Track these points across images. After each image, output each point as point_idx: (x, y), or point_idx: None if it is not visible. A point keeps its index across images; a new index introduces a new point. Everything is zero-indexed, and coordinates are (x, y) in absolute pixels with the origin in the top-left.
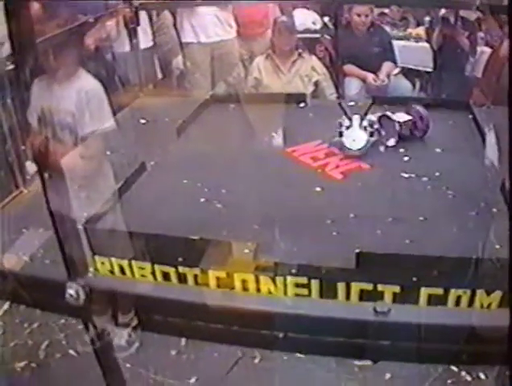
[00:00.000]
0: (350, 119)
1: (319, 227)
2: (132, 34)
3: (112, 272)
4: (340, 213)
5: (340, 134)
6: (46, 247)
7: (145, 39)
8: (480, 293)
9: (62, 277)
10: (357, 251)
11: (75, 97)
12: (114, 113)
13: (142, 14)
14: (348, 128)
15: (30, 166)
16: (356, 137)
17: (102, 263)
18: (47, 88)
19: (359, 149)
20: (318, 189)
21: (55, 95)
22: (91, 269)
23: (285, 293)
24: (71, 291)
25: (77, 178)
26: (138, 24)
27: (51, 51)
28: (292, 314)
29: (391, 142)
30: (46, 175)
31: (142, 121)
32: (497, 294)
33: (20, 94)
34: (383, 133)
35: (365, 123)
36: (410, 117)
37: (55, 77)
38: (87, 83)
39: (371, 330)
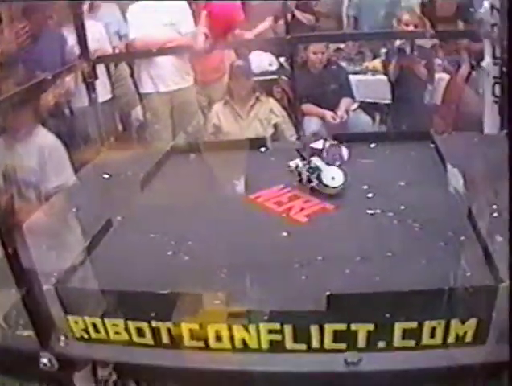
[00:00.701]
0: (305, 159)
1: (287, 271)
2: (90, 88)
3: (86, 330)
4: (307, 256)
5: (300, 175)
6: (18, 308)
7: (104, 92)
8: (454, 322)
9: (34, 346)
10: (328, 293)
11: (36, 155)
12: (77, 169)
13: (100, 67)
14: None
15: None
16: (334, 175)
17: (75, 322)
18: (9, 147)
19: (338, 186)
20: (284, 234)
21: (17, 153)
22: (62, 337)
23: (258, 340)
24: (44, 360)
25: (43, 236)
26: (95, 78)
27: (10, 110)
28: (265, 371)
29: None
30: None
31: (106, 176)
32: (472, 322)
33: None
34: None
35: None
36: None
37: (15, 135)
38: (46, 140)
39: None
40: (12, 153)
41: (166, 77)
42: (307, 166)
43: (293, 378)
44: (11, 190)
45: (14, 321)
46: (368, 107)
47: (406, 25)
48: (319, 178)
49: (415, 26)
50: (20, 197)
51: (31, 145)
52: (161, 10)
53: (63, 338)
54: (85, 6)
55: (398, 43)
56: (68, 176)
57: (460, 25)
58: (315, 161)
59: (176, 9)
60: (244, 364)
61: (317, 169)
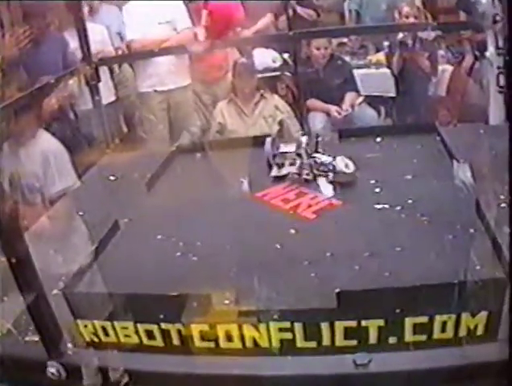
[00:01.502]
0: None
1: (296, 269)
2: (94, 90)
3: (96, 334)
4: (316, 253)
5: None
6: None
7: (107, 94)
8: (465, 315)
9: (42, 356)
10: (337, 290)
11: (39, 159)
12: (83, 172)
13: (103, 69)
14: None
15: None
16: (346, 162)
17: (85, 326)
18: (13, 152)
19: (353, 172)
20: (292, 231)
21: (21, 158)
22: (69, 346)
23: (269, 339)
24: (52, 370)
25: (49, 240)
26: (98, 80)
27: (13, 115)
28: (274, 375)
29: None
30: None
31: (112, 178)
32: (483, 315)
33: None
34: None
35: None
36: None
37: (18, 140)
38: (49, 144)
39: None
40: (16, 158)
41: (163, 76)
42: (313, 162)
43: (302, 381)
44: (16, 195)
45: (24, 326)
46: (373, 101)
47: (407, 17)
48: (334, 168)
49: (415, 18)
50: (24, 202)
51: (34, 150)
52: (156, 8)
53: (70, 345)
54: (85, 9)
55: (400, 36)
56: (72, 180)
57: (462, 16)
58: (319, 156)
59: (171, 7)
60: (253, 369)
61: (326, 161)
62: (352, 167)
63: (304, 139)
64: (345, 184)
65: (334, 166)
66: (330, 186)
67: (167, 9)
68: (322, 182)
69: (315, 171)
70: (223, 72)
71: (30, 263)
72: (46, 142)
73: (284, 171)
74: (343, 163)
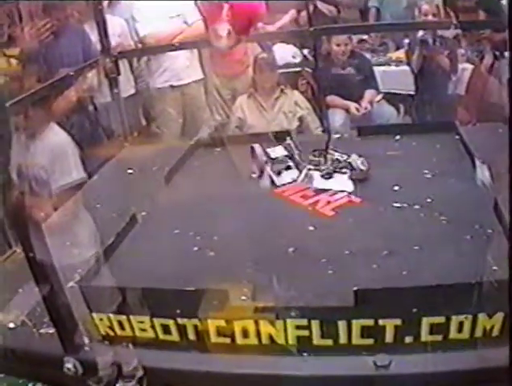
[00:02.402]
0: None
1: (314, 266)
2: (113, 83)
3: (111, 328)
4: (334, 250)
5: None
6: (43, 305)
7: (127, 87)
8: (481, 316)
9: (59, 351)
10: (355, 288)
11: (47, 152)
12: (101, 165)
13: (123, 62)
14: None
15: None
16: (362, 160)
17: (101, 319)
18: (23, 144)
19: (367, 170)
20: (311, 228)
21: (29, 150)
22: (86, 341)
23: (285, 336)
24: (69, 365)
25: (66, 232)
26: (118, 73)
27: (31, 106)
28: (296, 375)
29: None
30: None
31: (130, 171)
32: (499, 316)
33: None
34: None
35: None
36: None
37: (29, 132)
38: (58, 137)
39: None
40: (25, 150)
41: (179, 71)
42: (329, 160)
43: (322, 381)
44: (25, 188)
45: (38, 319)
46: (392, 98)
47: (426, 15)
48: (350, 165)
49: (434, 16)
50: (31, 193)
51: (43, 142)
52: (165, 3)
53: (87, 341)
54: (105, 2)
55: (420, 33)
56: (79, 174)
57: (482, 15)
58: (334, 154)
59: (180, 0)
60: (271, 368)
61: (341, 159)
62: (366, 165)
63: (290, 141)
64: (360, 180)
65: (350, 163)
66: (350, 182)
67: (176, 3)
68: (342, 178)
69: (331, 168)
70: (244, 67)
71: (47, 255)
72: (55, 136)
73: (288, 178)
74: (359, 161)
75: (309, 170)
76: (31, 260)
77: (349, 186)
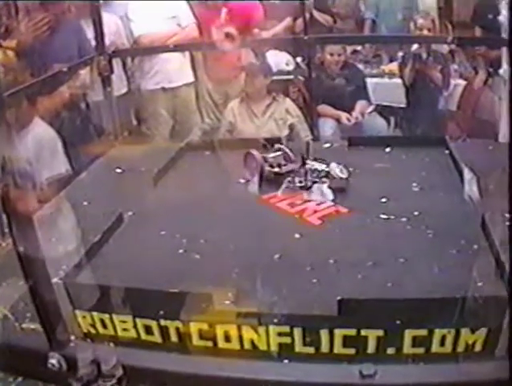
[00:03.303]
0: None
1: (299, 274)
2: (106, 81)
3: (93, 326)
4: (319, 259)
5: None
6: (26, 299)
7: (119, 86)
8: (464, 331)
9: (43, 347)
10: (339, 298)
11: (31, 145)
12: (90, 163)
13: (117, 61)
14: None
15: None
16: (340, 167)
17: (83, 317)
18: (7, 137)
19: (347, 177)
20: (297, 235)
21: (14, 143)
22: (72, 337)
23: (268, 342)
24: (53, 361)
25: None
26: (111, 72)
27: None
28: (279, 381)
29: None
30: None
31: (118, 171)
32: (482, 331)
33: None
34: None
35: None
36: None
37: (14, 126)
38: (43, 131)
39: None
40: (10, 143)
41: (171, 73)
42: (308, 169)
43: None
44: (8, 180)
45: (21, 313)
46: (383, 110)
47: (421, 29)
48: (328, 175)
49: (429, 31)
50: (16, 187)
51: (28, 136)
52: (160, 4)
53: (72, 337)
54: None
55: (414, 47)
56: (63, 168)
57: (477, 31)
58: (313, 164)
59: (174, 2)
60: (254, 373)
61: (320, 169)
62: (345, 173)
63: (287, 148)
64: (340, 189)
65: (328, 172)
66: (329, 191)
67: (171, 4)
68: (321, 188)
69: (310, 178)
70: (237, 72)
71: (37, 249)
72: (40, 129)
73: (289, 168)
74: (337, 169)
75: (288, 182)
76: (19, 253)
77: (329, 195)
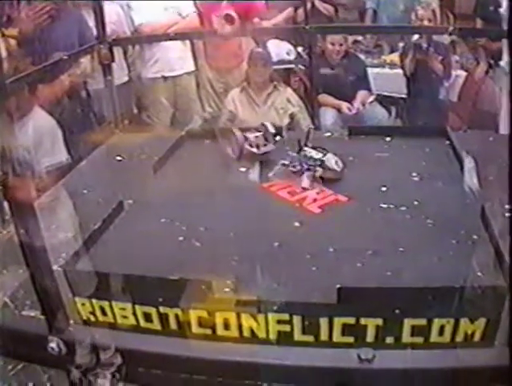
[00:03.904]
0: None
1: (298, 262)
2: (107, 70)
3: (93, 313)
4: (319, 247)
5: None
6: (26, 287)
7: (120, 75)
8: (463, 321)
9: (43, 330)
10: (339, 286)
11: (30, 133)
12: (91, 151)
13: (118, 49)
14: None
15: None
16: (336, 159)
17: (83, 304)
18: (6, 125)
19: (342, 169)
20: (296, 224)
21: (13, 132)
22: (71, 322)
23: (267, 330)
24: (52, 345)
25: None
26: (112, 60)
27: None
28: (276, 365)
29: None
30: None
31: (118, 158)
32: (481, 321)
33: None
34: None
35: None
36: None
37: (13, 114)
38: (42, 120)
39: (356, 378)
40: (9, 132)
41: (172, 61)
42: (302, 156)
43: (303, 372)
44: (7, 168)
45: (20, 301)
46: (384, 100)
47: (422, 20)
48: (323, 164)
49: (429, 21)
50: (15, 175)
51: (27, 124)
52: None
53: (72, 322)
54: None
55: (415, 37)
56: (62, 156)
57: (479, 22)
58: (310, 151)
59: None
60: (252, 356)
61: (316, 157)
62: (341, 165)
63: (270, 125)
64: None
65: (323, 162)
66: (307, 180)
67: None
68: (307, 175)
69: (304, 165)
70: (238, 61)
71: (38, 236)
72: (40, 118)
73: (268, 148)
74: (333, 160)
75: (282, 165)
76: (20, 239)
77: (305, 182)
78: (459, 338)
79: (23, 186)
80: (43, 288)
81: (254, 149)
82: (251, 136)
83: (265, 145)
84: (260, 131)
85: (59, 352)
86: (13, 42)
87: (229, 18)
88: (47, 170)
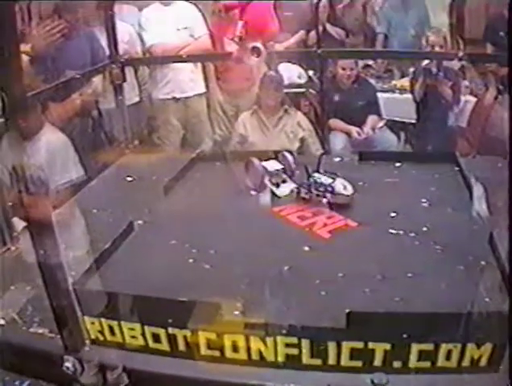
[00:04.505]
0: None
1: (308, 286)
2: (118, 90)
3: (101, 332)
4: (328, 272)
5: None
6: (34, 303)
7: (131, 95)
8: (470, 346)
9: (59, 350)
10: (348, 310)
11: (43, 151)
12: (101, 171)
13: (130, 69)
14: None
15: (18, 223)
16: (344, 184)
17: (92, 323)
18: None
19: (351, 194)
20: (306, 248)
21: (25, 150)
22: (87, 342)
23: (275, 353)
24: (68, 364)
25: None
26: (124, 80)
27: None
28: None
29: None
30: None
31: (129, 179)
32: (488, 347)
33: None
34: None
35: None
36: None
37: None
38: (54, 137)
39: None
40: (20, 151)
41: (183, 83)
42: (312, 182)
43: None
44: (19, 187)
45: (29, 317)
46: (394, 126)
47: (432, 46)
48: (332, 190)
49: (441, 47)
50: (29, 194)
51: (39, 142)
52: (173, 14)
53: (88, 342)
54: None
55: (424, 62)
56: (77, 173)
57: (489, 48)
58: (319, 177)
59: (188, 13)
60: (262, 379)
61: (325, 182)
62: (350, 190)
63: (289, 156)
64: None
65: (333, 188)
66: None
67: (184, 15)
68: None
69: (314, 191)
70: (249, 84)
71: (56, 255)
72: (52, 136)
73: (287, 190)
74: (342, 185)
75: (292, 192)
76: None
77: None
78: (465, 363)
79: (41, 205)
80: (60, 306)
81: (276, 191)
82: (270, 167)
83: (284, 181)
84: (276, 158)
85: (74, 372)
86: (25, 58)
87: (256, 51)
88: (58, 188)
